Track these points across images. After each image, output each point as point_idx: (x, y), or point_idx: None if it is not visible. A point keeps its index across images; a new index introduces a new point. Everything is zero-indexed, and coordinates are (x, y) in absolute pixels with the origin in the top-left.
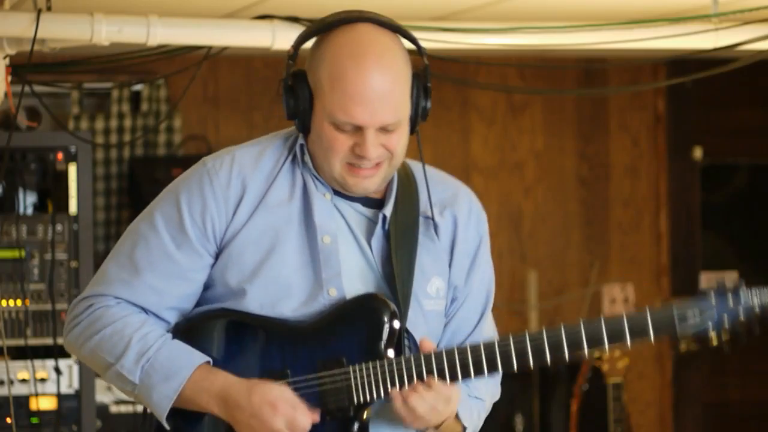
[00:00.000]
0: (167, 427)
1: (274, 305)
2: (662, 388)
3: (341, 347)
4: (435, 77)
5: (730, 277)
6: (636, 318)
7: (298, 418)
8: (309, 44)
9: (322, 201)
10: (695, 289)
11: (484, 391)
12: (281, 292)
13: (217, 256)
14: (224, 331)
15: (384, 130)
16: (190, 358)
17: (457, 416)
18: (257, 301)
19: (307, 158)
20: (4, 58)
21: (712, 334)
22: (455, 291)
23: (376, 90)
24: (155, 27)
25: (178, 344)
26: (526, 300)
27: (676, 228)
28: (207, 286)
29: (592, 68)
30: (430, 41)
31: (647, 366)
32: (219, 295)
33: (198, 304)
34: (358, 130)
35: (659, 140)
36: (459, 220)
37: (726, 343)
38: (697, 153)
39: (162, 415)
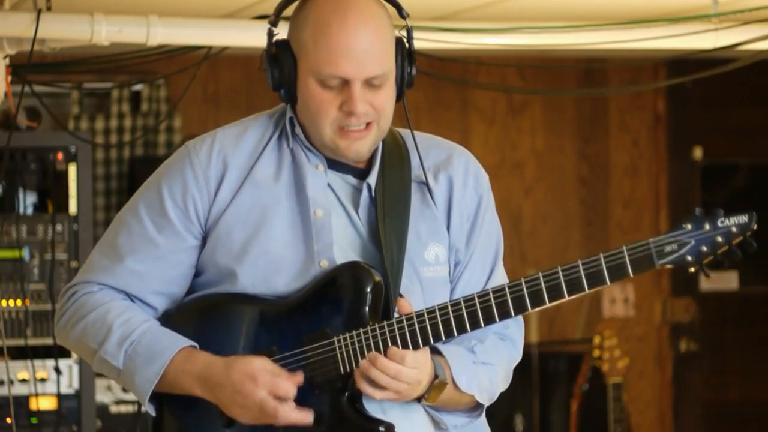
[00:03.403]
0: (151, 412)
1: (267, 282)
2: (662, 388)
3: (325, 319)
4: (435, 77)
5: (730, 277)
6: (614, 257)
7: (280, 384)
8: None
9: (315, 174)
10: (695, 290)
11: (495, 356)
12: (271, 268)
13: (204, 239)
14: (210, 315)
15: (370, 85)
16: (172, 342)
17: (455, 385)
18: (249, 280)
19: (297, 130)
20: (4, 58)
21: (691, 262)
22: (457, 254)
23: (361, 42)
24: (155, 27)
25: (162, 329)
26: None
27: None
28: (199, 272)
29: (592, 68)
30: (430, 41)
31: (647, 366)
32: (211, 280)
33: (192, 290)
34: (345, 85)
35: (659, 140)
36: (455, 182)
37: (707, 267)
38: (697, 153)
39: (144, 398)
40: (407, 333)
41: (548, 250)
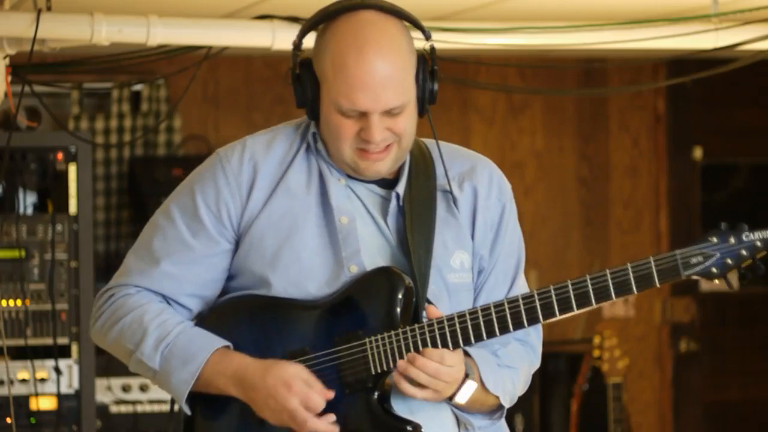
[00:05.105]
0: (187, 411)
1: (298, 287)
2: (662, 388)
3: (358, 321)
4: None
5: (730, 277)
6: (641, 267)
7: (312, 397)
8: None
9: (338, 185)
10: (695, 289)
11: (517, 360)
12: (303, 274)
13: (237, 243)
14: (244, 316)
15: (389, 113)
16: (207, 343)
17: (483, 385)
18: (282, 286)
19: (320, 146)
20: (4, 58)
21: (716, 274)
22: (481, 261)
23: (378, 76)
24: (155, 27)
25: (197, 330)
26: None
27: (676, 228)
28: (232, 276)
29: (592, 68)
30: (430, 41)
31: (647, 366)
32: (245, 285)
33: (225, 293)
34: (363, 115)
35: (659, 140)
36: (479, 190)
37: (731, 281)
38: (697, 153)
39: (181, 399)
40: (437, 336)
41: (548, 250)
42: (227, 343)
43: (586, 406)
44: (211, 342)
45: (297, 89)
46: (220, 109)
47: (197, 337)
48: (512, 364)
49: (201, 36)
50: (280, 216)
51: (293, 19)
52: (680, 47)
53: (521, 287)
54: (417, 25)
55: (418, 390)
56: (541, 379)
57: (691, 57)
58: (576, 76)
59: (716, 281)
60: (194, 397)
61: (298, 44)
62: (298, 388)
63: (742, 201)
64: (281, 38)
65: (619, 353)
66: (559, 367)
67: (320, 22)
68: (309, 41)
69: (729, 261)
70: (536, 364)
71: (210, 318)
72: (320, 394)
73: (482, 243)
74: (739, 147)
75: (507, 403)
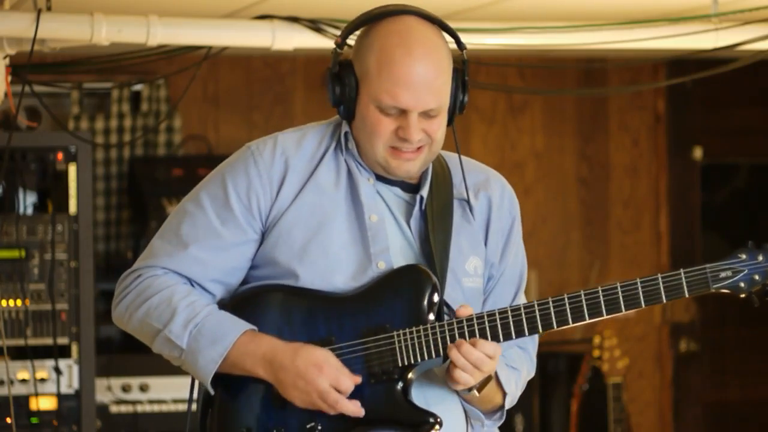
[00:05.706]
0: (211, 391)
1: (325, 280)
2: (662, 388)
3: (385, 315)
4: None
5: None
6: (671, 278)
7: (342, 379)
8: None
9: (366, 185)
10: None
11: (519, 363)
12: (330, 267)
13: (263, 235)
14: (270, 304)
15: (426, 115)
16: (235, 325)
17: (498, 381)
18: (309, 278)
19: (351, 144)
20: (4, 58)
21: (743, 289)
22: (491, 269)
23: (422, 76)
24: (155, 27)
25: (225, 313)
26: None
27: (676, 228)
28: (256, 266)
29: (592, 68)
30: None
31: (647, 366)
32: (270, 275)
33: (246, 282)
34: (402, 113)
35: (659, 140)
36: (493, 201)
37: (756, 295)
38: (697, 153)
39: (207, 379)
40: (466, 333)
41: (548, 250)
42: (253, 327)
43: (586, 406)
44: (239, 324)
45: (334, 88)
46: (220, 109)
47: (225, 319)
48: (516, 366)
49: (201, 36)
50: (309, 211)
51: (293, 19)
52: (680, 47)
53: (523, 299)
54: (454, 36)
55: (467, 375)
56: (541, 379)
57: (691, 57)
58: (576, 76)
59: (742, 296)
60: (216, 378)
61: (340, 44)
62: (328, 370)
63: (742, 201)
64: (281, 38)
65: (619, 353)
66: (559, 367)
67: (364, 23)
68: (307, 42)
69: (756, 277)
70: (532, 372)
71: (236, 303)
72: (349, 378)
73: (494, 251)
74: (739, 147)
75: (509, 403)
